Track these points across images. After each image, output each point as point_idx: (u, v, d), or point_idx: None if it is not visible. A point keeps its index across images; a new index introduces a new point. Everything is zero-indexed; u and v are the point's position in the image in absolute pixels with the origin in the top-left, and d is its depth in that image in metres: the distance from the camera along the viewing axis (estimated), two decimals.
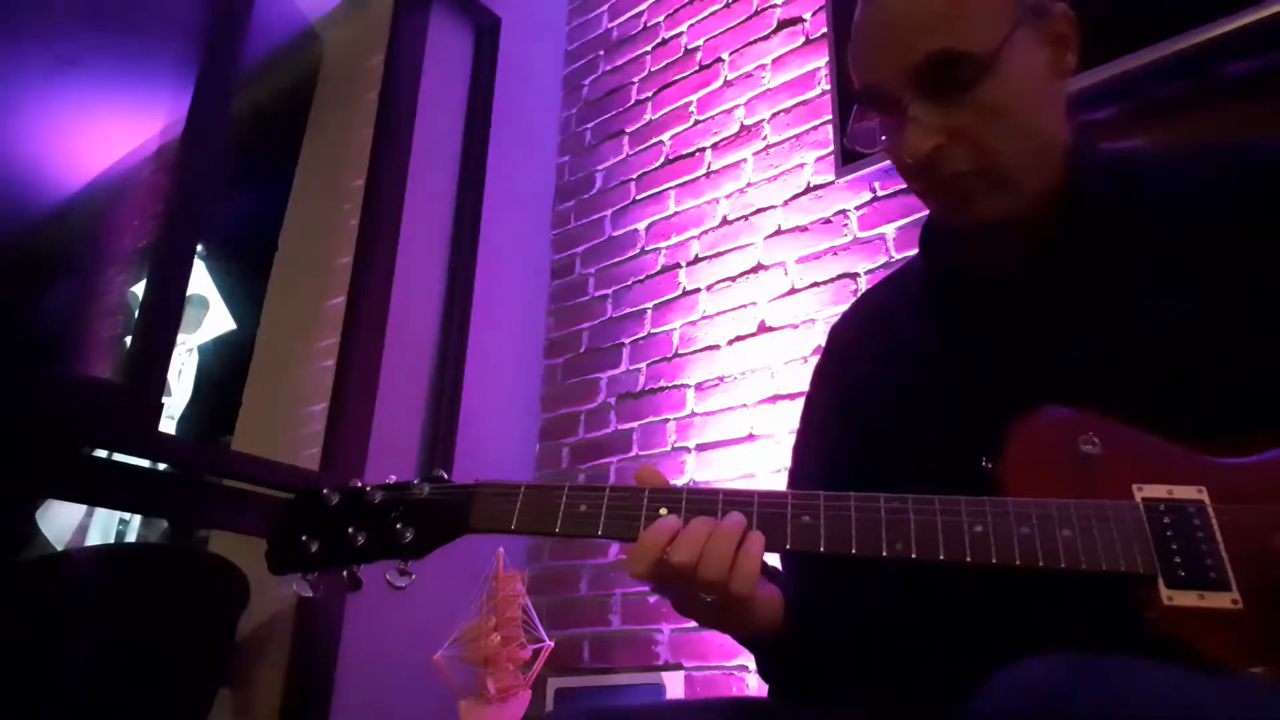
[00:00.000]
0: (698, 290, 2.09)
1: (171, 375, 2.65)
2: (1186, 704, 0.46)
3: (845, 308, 1.02)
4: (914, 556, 0.64)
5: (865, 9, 0.79)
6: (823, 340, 1.02)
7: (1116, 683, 0.47)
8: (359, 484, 0.79)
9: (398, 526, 0.75)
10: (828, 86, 1.96)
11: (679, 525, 0.68)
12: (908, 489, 0.67)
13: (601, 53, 2.61)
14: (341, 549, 0.76)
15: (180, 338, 2.39)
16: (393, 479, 0.79)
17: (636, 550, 0.68)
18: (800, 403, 1.00)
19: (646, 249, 2.25)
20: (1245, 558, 0.60)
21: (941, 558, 0.64)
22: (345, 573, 0.76)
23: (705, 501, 0.70)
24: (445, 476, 0.78)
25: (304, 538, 0.76)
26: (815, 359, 1.02)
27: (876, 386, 0.86)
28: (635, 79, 2.47)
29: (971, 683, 0.52)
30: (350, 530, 0.76)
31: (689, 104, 2.30)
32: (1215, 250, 0.72)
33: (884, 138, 0.80)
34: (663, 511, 0.70)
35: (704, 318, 2.05)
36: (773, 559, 0.74)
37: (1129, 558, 0.61)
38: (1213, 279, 0.70)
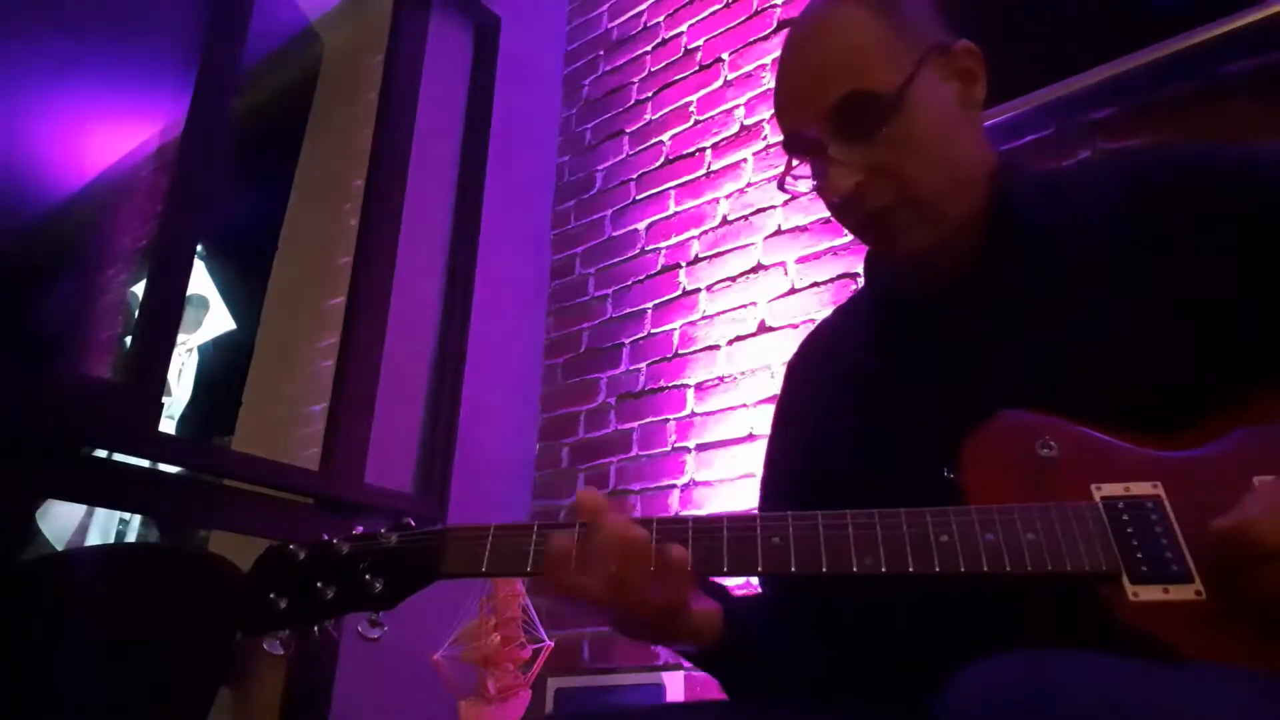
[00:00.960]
0: (698, 290, 2.09)
1: (171, 375, 2.65)
2: (1149, 695, 0.46)
3: (784, 374, 1.04)
4: (884, 571, 0.65)
5: (780, 61, 0.85)
6: None
7: (1079, 677, 0.47)
8: (326, 537, 0.78)
9: (366, 578, 0.74)
10: None
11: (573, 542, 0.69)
12: (870, 506, 0.68)
13: (601, 53, 2.61)
14: (311, 605, 0.75)
15: (180, 338, 2.39)
16: (358, 529, 0.78)
17: (552, 585, 0.69)
18: None
19: (646, 249, 2.25)
20: (1204, 548, 0.61)
21: (911, 570, 0.64)
22: (316, 629, 0.76)
23: (675, 530, 0.70)
24: (412, 524, 0.77)
25: (272, 595, 0.75)
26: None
27: (832, 409, 0.88)
28: (635, 79, 2.47)
29: (937, 682, 0.53)
30: (319, 585, 0.75)
31: (689, 104, 2.30)
32: (1135, 254, 0.74)
33: (814, 179, 0.84)
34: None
35: (704, 318, 2.05)
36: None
37: (1092, 557, 0.62)
38: (1135, 281, 0.73)
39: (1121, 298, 0.73)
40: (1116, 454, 0.68)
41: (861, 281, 0.96)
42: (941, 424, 0.73)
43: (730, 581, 0.81)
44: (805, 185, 0.86)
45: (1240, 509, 0.58)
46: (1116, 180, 0.79)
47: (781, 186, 0.89)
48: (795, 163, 0.87)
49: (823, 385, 0.92)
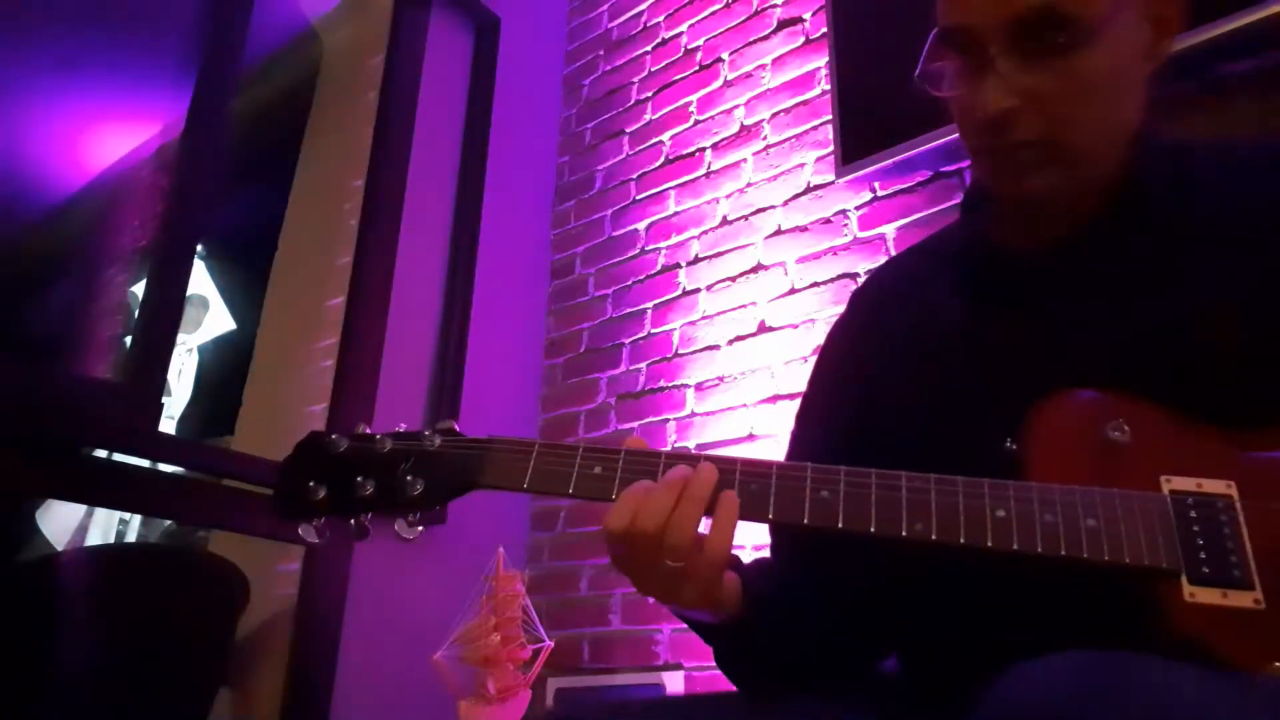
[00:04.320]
0: (698, 290, 2.09)
1: (171, 375, 2.65)
2: (1207, 705, 0.45)
3: (844, 309, 0.99)
4: (934, 538, 0.62)
5: None
6: (822, 341, 1.00)
7: (1137, 682, 0.46)
8: (367, 430, 0.76)
9: (408, 478, 0.72)
10: (828, 87, 1.96)
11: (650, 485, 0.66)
12: (924, 467, 0.65)
13: (601, 53, 2.61)
14: (349, 497, 0.73)
15: (180, 338, 2.39)
16: (402, 427, 0.77)
17: (618, 506, 0.66)
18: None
19: (646, 249, 2.25)
20: (1270, 557, 0.59)
21: (962, 541, 0.62)
22: (353, 521, 0.74)
23: (723, 470, 0.67)
24: (456, 429, 0.75)
25: (311, 483, 0.74)
26: (815, 359, 1.00)
27: (900, 357, 0.83)
28: (635, 79, 2.47)
29: (983, 672, 0.51)
30: (359, 479, 0.73)
31: (689, 104, 2.29)
32: (1264, 243, 0.70)
33: (954, 84, 0.74)
34: None
35: (704, 318, 2.05)
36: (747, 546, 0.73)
37: (1153, 552, 0.60)
38: (1258, 271, 0.69)
39: (1226, 288, 0.69)
40: (1192, 445, 0.65)
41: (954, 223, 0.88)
42: (1014, 391, 0.69)
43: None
44: (937, 88, 0.76)
45: None
46: (1252, 165, 0.75)
47: (917, 82, 0.77)
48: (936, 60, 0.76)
49: (890, 329, 0.86)
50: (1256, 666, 0.55)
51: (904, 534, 0.63)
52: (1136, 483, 0.63)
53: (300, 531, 0.74)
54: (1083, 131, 0.71)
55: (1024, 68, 0.69)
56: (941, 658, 0.74)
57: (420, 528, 0.74)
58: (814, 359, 0.98)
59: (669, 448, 1.99)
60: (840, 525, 0.64)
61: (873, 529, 0.64)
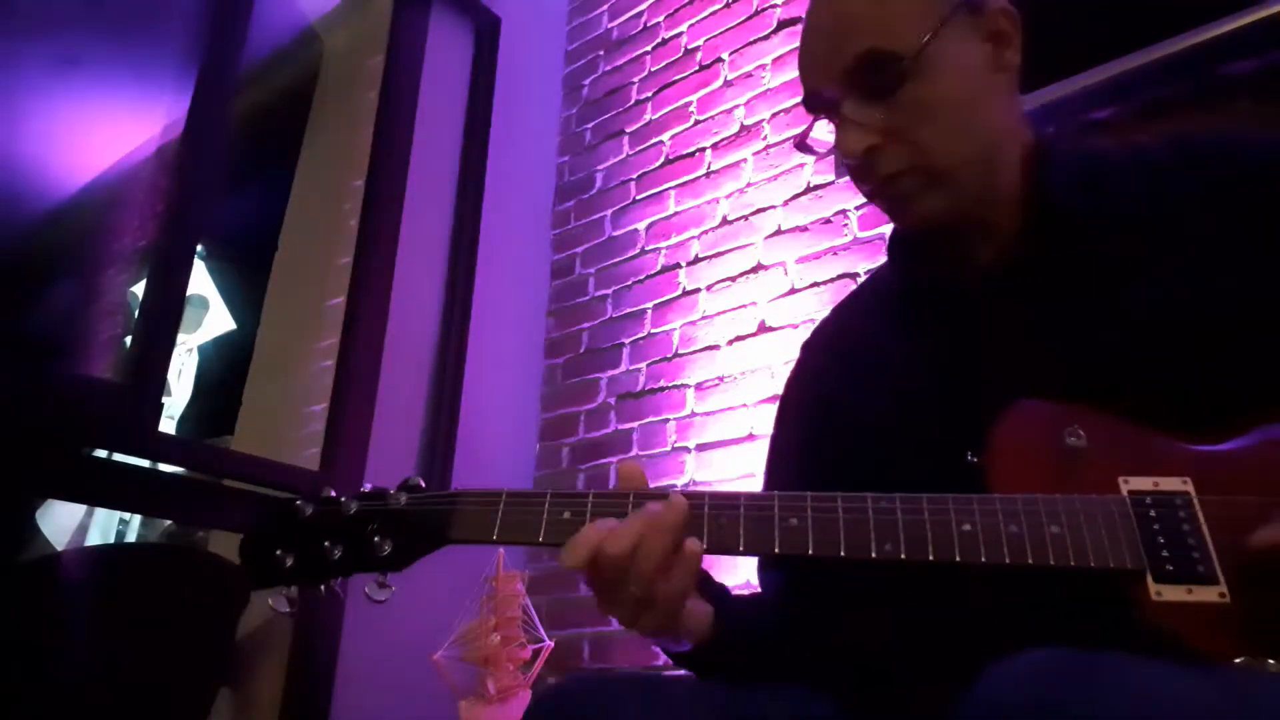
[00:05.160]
0: (698, 290, 2.09)
1: (171, 375, 2.65)
2: (1179, 696, 0.46)
3: (796, 358, 1.01)
4: (903, 557, 0.63)
5: (805, 18, 0.83)
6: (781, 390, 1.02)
7: (1110, 678, 0.47)
8: (333, 494, 0.76)
9: (375, 539, 0.73)
10: None
11: (614, 523, 0.67)
12: (893, 489, 0.66)
13: (601, 53, 2.61)
14: (317, 563, 0.73)
15: (180, 338, 2.39)
16: (368, 487, 0.77)
17: (575, 539, 0.66)
18: None
19: (646, 249, 2.25)
20: (1232, 550, 0.60)
21: (930, 558, 0.63)
22: (323, 587, 0.74)
23: (691, 504, 0.68)
24: (423, 485, 0.76)
25: (279, 552, 0.74)
26: (776, 409, 1.00)
27: (852, 393, 0.85)
28: (635, 79, 2.47)
29: (958, 678, 0.52)
30: (326, 544, 0.73)
31: (689, 104, 2.29)
32: (1185, 241, 0.72)
33: (832, 142, 0.81)
34: None
35: (704, 318, 2.05)
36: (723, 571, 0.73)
37: (1117, 554, 0.61)
38: (1184, 270, 0.71)
39: (1160, 288, 0.70)
40: (1147, 446, 0.66)
41: (882, 261, 0.92)
42: (967, 408, 0.71)
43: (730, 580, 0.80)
44: (824, 147, 0.82)
45: None
46: (1166, 165, 0.76)
47: (800, 146, 0.85)
48: (816, 123, 0.83)
49: (842, 365, 0.89)
50: (1225, 658, 0.56)
51: (874, 555, 0.64)
52: (1096, 486, 0.64)
53: (270, 603, 0.74)
54: (945, 151, 0.75)
55: (870, 110, 0.75)
56: (915, 667, 0.76)
57: (392, 588, 0.74)
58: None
59: (669, 448, 2.00)
60: (810, 552, 0.65)
61: (843, 553, 0.65)
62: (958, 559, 0.63)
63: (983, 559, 0.62)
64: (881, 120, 0.75)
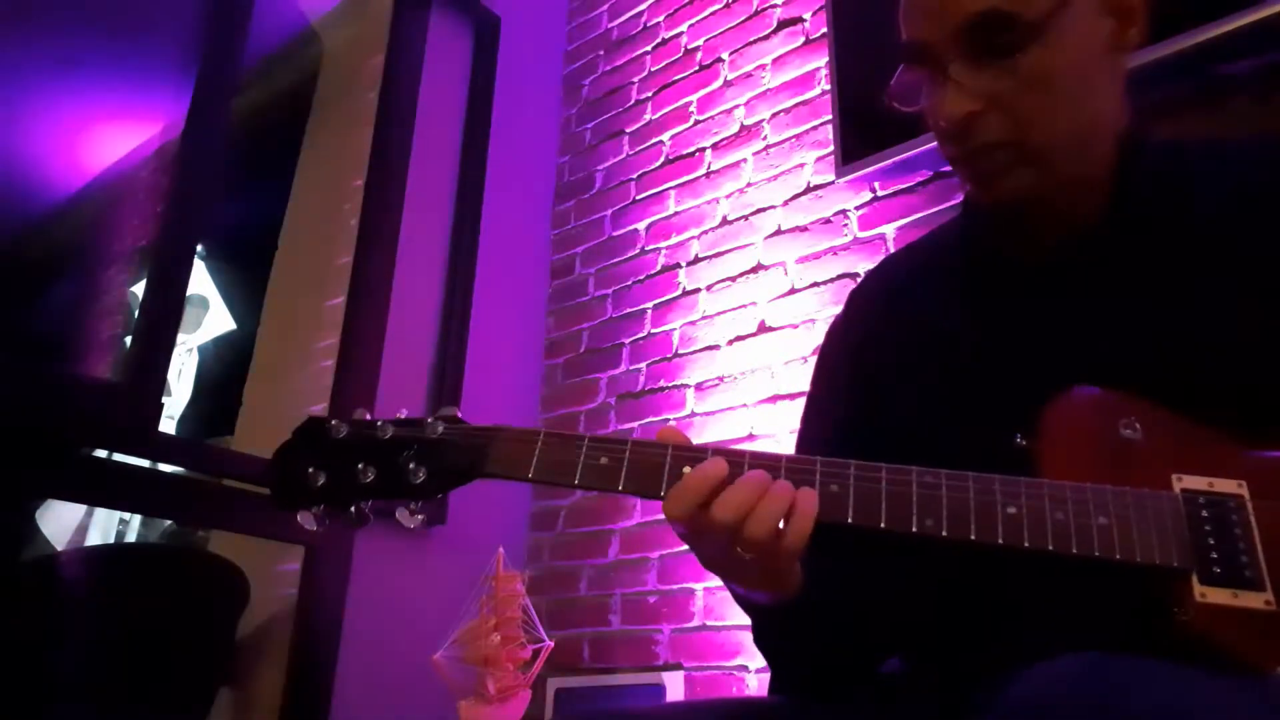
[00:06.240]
0: (698, 290, 2.09)
1: (171, 375, 2.65)
2: (1216, 708, 0.45)
3: (842, 308, 0.98)
4: (944, 534, 0.62)
5: None
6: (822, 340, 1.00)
7: (1147, 684, 0.46)
8: (367, 416, 0.74)
9: (410, 466, 0.70)
10: (828, 86, 1.96)
11: (725, 475, 0.64)
12: (933, 463, 0.65)
13: (601, 53, 2.61)
14: (350, 484, 0.71)
15: (180, 338, 2.39)
16: (404, 413, 0.75)
17: (679, 489, 0.64)
18: (801, 402, 1.00)
19: (646, 249, 2.25)
20: None
21: (972, 537, 0.61)
22: (354, 509, 0.72)
23: (731, 462, 0.66)
24: (459, 416, 0.74)
25: (310, 470, 0.72)
26: (816, 359, 0.99)
27: (904, 353, 0.83)
28: (635, 79, 2.47)
29: (993, 672, 0.52)
30: (359, 465, 0.71)
31: (689, 104, 2.29)
32: (1266, 242, 0.70)
33: (924, 97, 0.76)
34: (686, 470, 0.65)
35: (704, 318, 2.05)
36: None
37: (1164, 551, 0.60)
38: (1262, 271, 0.69)
39: (1234, 286, 0.69)
40: (1204, 445, 0.65)
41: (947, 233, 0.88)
42: (1020, 390, 0.69)
43: None
44: (910, 103, 0.78)
45: None
46: (1252, 168, 0.75)
47: (889, 100, 0.79)
48: (907, 75, 0.77)
49: (890, 330, 0.86)
50: (1267, 668, 0.55)
51: (914, 529, 0.62)
52: (1148, 481, 0.63)
53: (299, 519, 0.72)
54: (1049, 128, 0.72)
55: (979, 72, 0.71)
56: (950, 658, 0.74)
57: (421, 516, 0.72)
58: (814, 359, 0.96)
59: None
60: (850, 520, 0.64)
61: (883, 524, 0.63)
62: (1000, 541, 0.61)
63: (1025, 544, 0.61)
64: (990, 86, 0.70)
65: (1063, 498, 0.62)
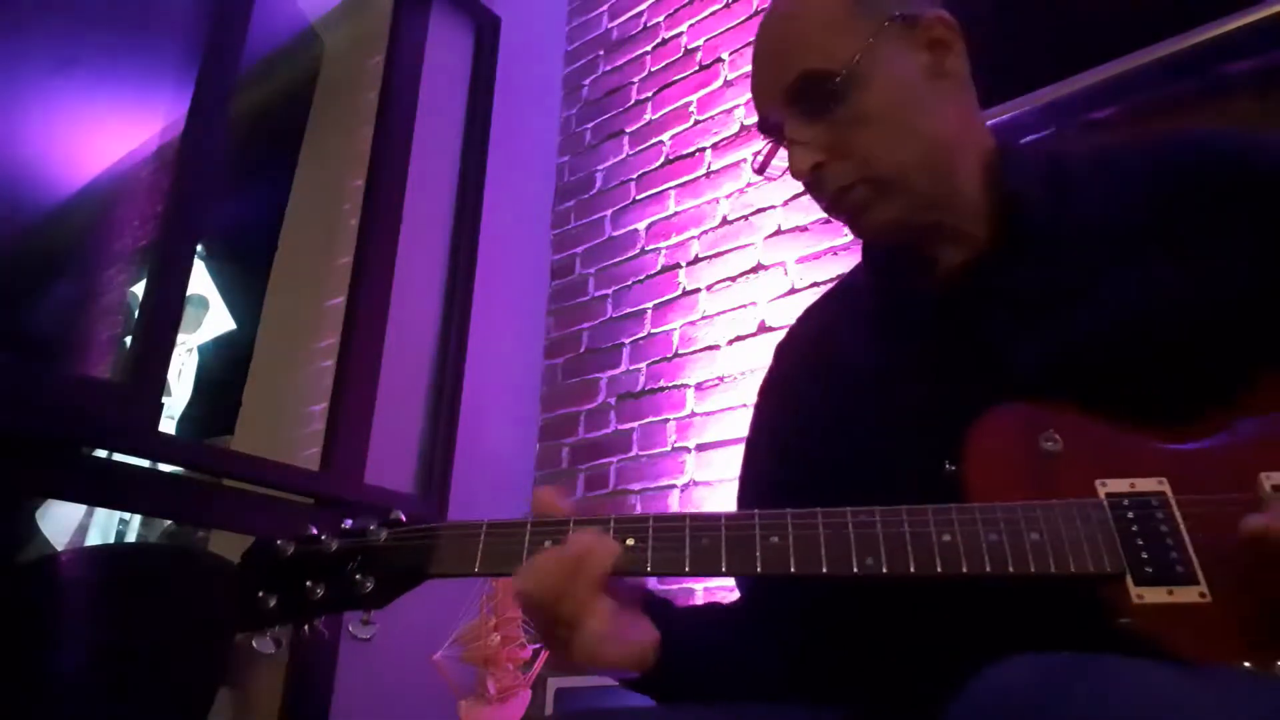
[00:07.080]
0: (698, 290, 2.09)
1: (171, 375, 2.65)
2: (1166, 698, 0.46)
3: (770, 363, 1.00)
4: (885, 571, 0.63)
5: (754, 45, 0.85)
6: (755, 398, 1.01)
7: (1101, 681, 0.46)
8: (313, 531, 0.75)
9: (356, 577, 0.72)
10: None
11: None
12: (871, 500, 0.66)
13: (601, 53, 2.61)
14: (300, 603, 0.72)
15: (180, 338, 2.39)
16: (348, 524, 0.76)
17: (520, 570, 0.67)
18: None
19: (646, 249, 2.25)
20: (1210, 549, 0.60)
21: (912, 570, 0.63)
22: (306, 627, 0.74)
23: (672, 526, 0.68)
24: (404, 520, 0.75)
25: (260, 594, 0.73)
26: (750, 417, 1.00)
27: (829, 404, 0.85)
28: (635, 79, 2.47)
29: (942, 689, 0.52)
30: (308, 584, 0.72)
31: (689, 104, 2.29)
32: (1149, 240, 0.72)
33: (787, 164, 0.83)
34: (629, 542, 0.67)
35: (704, 318, 2.05)
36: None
37: (1096, 558, 0.61)
38: (1149, 268, 0.71)
39: (1129, 287, 0.71)
40: (1122, 447, 0.66)
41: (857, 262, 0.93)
42: (942, 416, 0.71)
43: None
44: (780, 172, 0.85)
45: (1271, 511, 0.57)
46: (1131, 167, 0.78)
47: (759, 170, 0.88)
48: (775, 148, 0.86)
49: (816, 375, 0.89)
50: (1209, 658, 0.56)
51: (856, 570, 0.64)
52: (1073, 490, 0.64)
53: (255, 645, 0.73)
54: (890, 158, 0.77)
55: (811, 128, 0.78)
56: (899, 677, 0.75)
57: (375, 626, 0.73)
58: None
59: (669, 448, 2.00)
60: (793, 570, 0.65)
61: (825, 569, 0.64)
62: (939, 570, 0.62)
63: (964, 570, 0.62)
64: (822, 137, 0.77)
65: (994, 519, 0.63)
